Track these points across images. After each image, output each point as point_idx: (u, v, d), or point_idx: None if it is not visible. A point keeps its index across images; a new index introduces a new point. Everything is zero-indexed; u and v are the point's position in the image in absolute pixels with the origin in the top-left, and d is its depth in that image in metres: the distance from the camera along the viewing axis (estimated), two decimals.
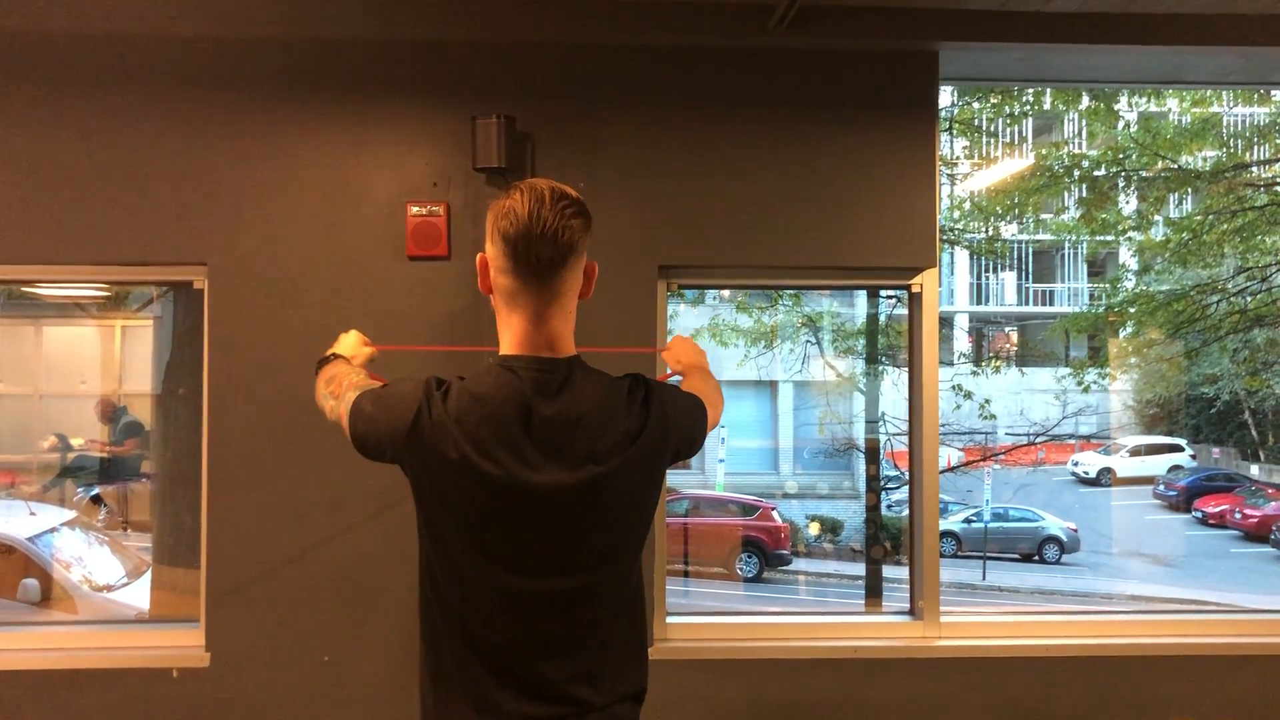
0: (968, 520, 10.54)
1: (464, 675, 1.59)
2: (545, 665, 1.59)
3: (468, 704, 1.58)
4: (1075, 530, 10.60)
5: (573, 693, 1.59)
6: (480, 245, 1.66)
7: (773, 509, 9.83)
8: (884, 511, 8.05)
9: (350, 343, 2.32)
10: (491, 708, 1.57)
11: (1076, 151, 9.84)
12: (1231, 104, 8.99)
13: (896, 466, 7.88)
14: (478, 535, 1.57)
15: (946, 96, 7.83)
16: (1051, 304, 13.95)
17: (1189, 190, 9.10)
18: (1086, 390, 10.07)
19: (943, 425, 3.51)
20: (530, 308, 1.60)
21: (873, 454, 8.51)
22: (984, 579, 9.95)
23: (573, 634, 1.60)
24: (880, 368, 8.24)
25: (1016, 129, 10.05)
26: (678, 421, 1.69)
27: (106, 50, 3.22)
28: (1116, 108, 8.46)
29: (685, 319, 8.86)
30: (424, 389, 1.60)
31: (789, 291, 8.63)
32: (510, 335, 1.63)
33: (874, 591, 7.24)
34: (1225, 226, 8.18)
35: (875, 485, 7.85)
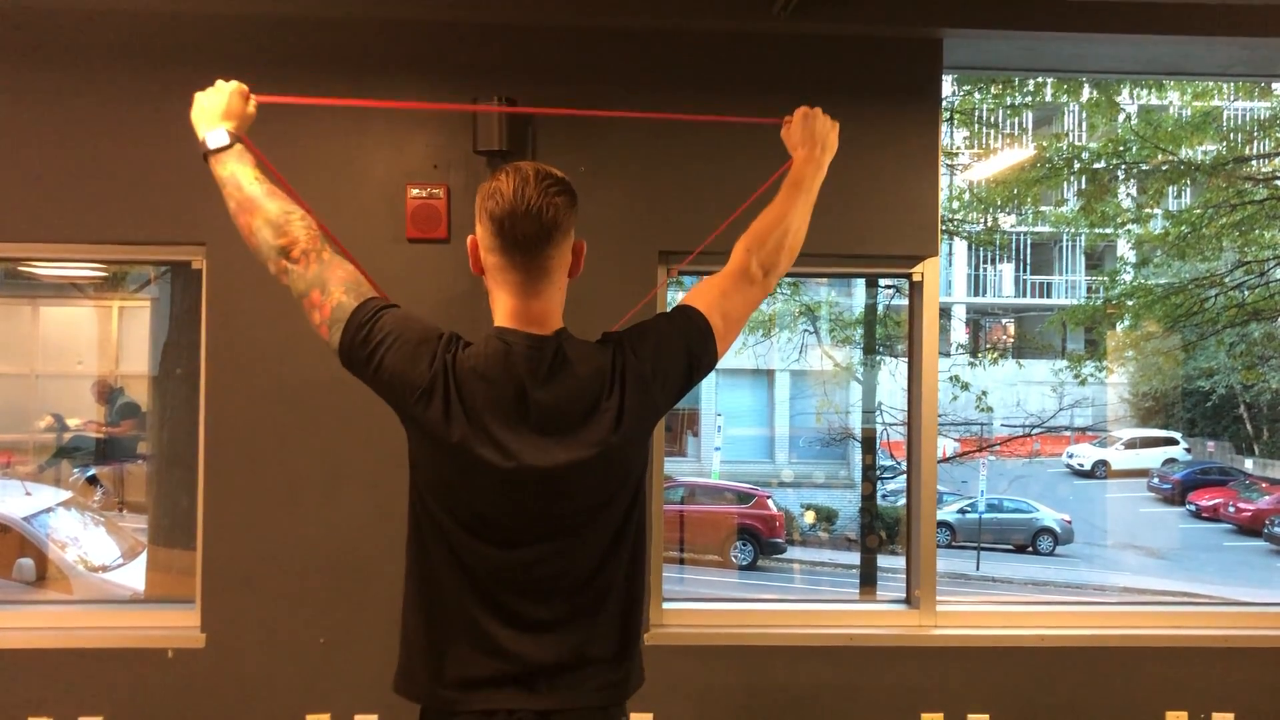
0: (962, 511, 10.58)
1: (464, 617, 1.61)
2: (543, 609, 1.61)
3: (466, 643, 1.61)
4: (1069, 522, 10.64)
5: (570, 639, 1.62)
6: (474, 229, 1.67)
7: (768, 497, 9.86)
8: (879, 501, 8.07)
9: (229, 102, 1.87)
10: (490, 646, 1.60)
11: (1076, 143, 9.82)
12: (1232, 97, 8.98)
13: (892, 456, 7.91)
14: (468, 503, 1.60)
15: (947, 86, 7.80)
16: (1049, 296, 13.96)
17: (1188, 183, 9.09)
18: (1083, 383, 10.08)
19: (940, 416, 3.52)
20: (519, 285, 1.62)
21: (869, 443, 8.54)
22: (978, 569, 10.00)
23: (572, 581, 1.63)
24: (877, 358, 8.25)
25: (1017, 120, 10.03)
26: (660, 379, 1.67)
27: (107, 27, 3.19)
28: (1118, 100, 8.43)
29: None
30: (442, 348, 1.60)
31: (787, 280, 8.63)
32: (501, 311, 1.65)
33: (868, 580, 7.27)
34: (1224, 220, 8.17)
35: (871, 475, 7.87)
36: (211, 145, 1.84)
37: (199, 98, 1.88)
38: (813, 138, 1.99)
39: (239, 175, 1.82)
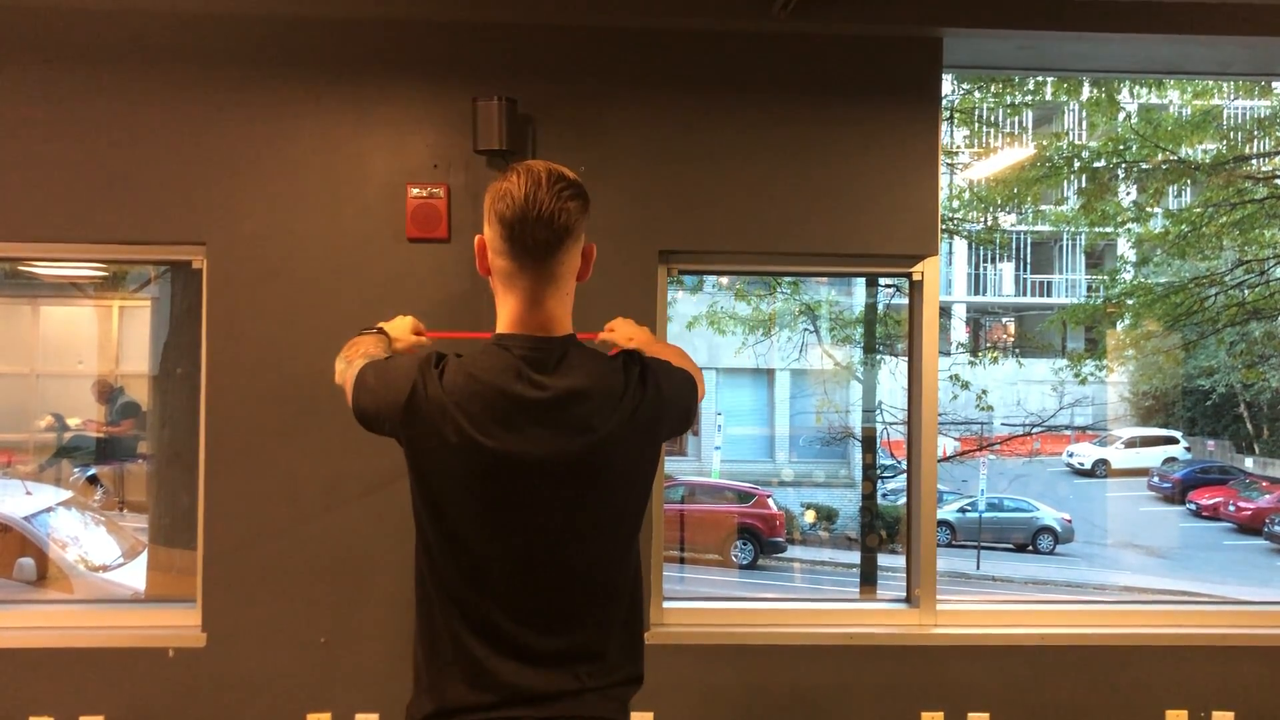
0: (962, 510, 10.56)
1: (459, 649, 1.58)
2: (542, 640, 1.59)
3: (462, 678, 1.58)
4: (1069, 521, 10.62)
5: (571, 669, 1.60)
6: (480, 228, 1.66)
7: (768, 496, 9.84)
8: (879, 500, 8.06)
9: (400, 325, 2.22)
10: (487, 681, 1.57)
11: (1076, 142, 9.81)
12: (1232, 96, 8.97)
13: (892, 455, 7.90)
14: (475, 510, 1.57)
15: (947, 85, 7.79)
16: (1049, 295, 13.93)
17: (1188, 182, 9.08)
18: (1083, 382, 10.07)
19: (940, 415, 3.52)
20: (527, 290, 1.61)
21: (869, 442, 8.52)
22: (978, 568, 9.98)
23: (571, 610, 1.61)
24: (878, 357, 8.24)
25: (1017, 119, 10.02)
26: (672, 397, 1.69)
27: (107, 26, 3.20)
28: (1118, 99, 8.43)
29: (684, 306, 8.85)
30: (420, 365, 1.61)
31: (787, 279, 8.63)
32: (506, 315, 1.64)
33: (868, 579, 7.26)
34: (1224, 219, 8.16)
35: (871, 474, 7.86)
36: (373, 328, 2.14)
37: (385, 325, 2.20)
38: (628, 341, 2.15)
39: (366, 341, 2.01)
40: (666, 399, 1.67)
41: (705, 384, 1.95)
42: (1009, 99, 8.71)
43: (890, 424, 7.50)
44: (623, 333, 2.22)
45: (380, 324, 2.16)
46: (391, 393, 1.61)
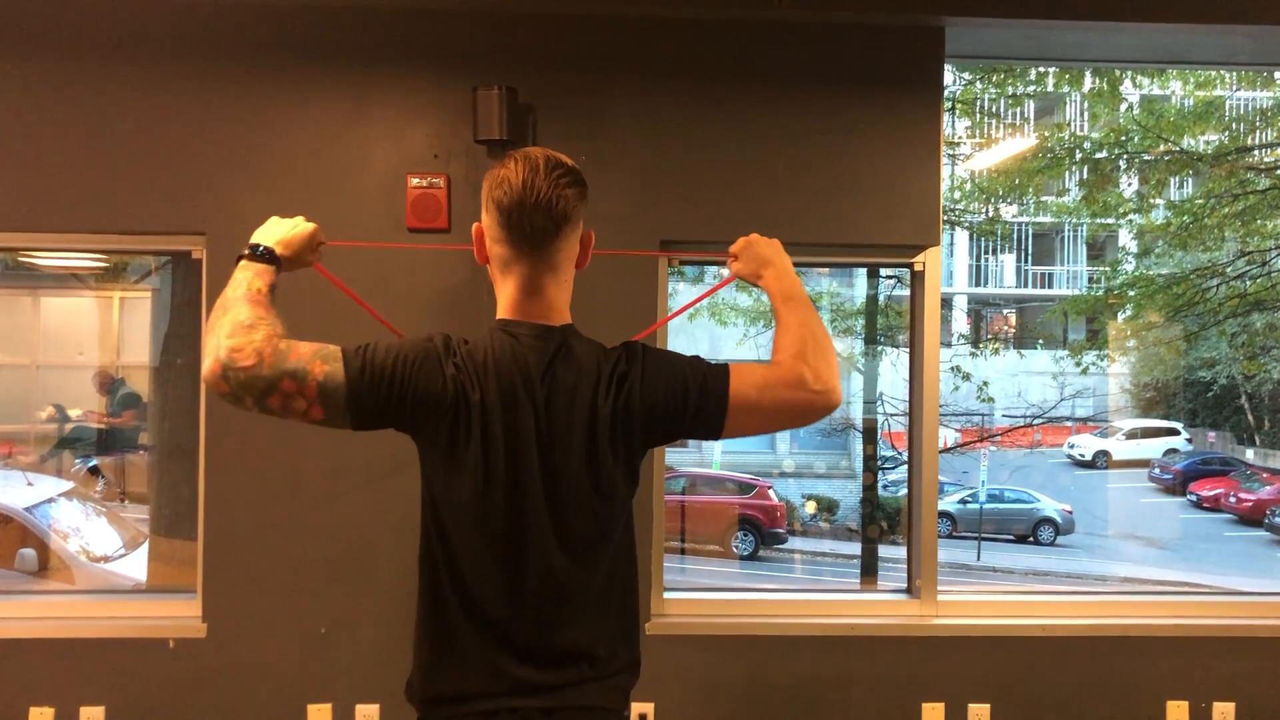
0: (963, 501, 10.57)
1: (466, 637, 1.59)
2: (543, 632, 1.59)
3: (467, 666, 1.59)
4: (1070, 512, 10.62)
5: (573, 662, 1.60)
6: (480, 217, 1.65)
7: (769, 488, 9.84)
8: (880, 491, 8.07)
9: (292, 236, 1.80)
10: (491, 670, 1.58)
11: (1078, 133, 9.79)
12: (1235, 87, 8.95)
13: (893, 447, 7.90)
14: (482, 502, 1.57)
15: (949, 75, 7.77)
16: (1050, 286, 13.91)
17: (1190, 173, 9.06)
18: (1085, 373, 10.07)
19: (941, 406, 3.52)
20: (525, 277, 1.60)
21: (870, 434, 8.52)
22: (978, 559, 9.99)
23: (568, 603, 1.61)
24: (879, 348, 8.24)
25: (1019, 110, 10.00)
26: (643, 396, 1.59)
27: (106, 17, 3.19)
28: (1120, 89, 8.41)
29: (685, 297, 8.83)
30: (447, 357, 1.56)
31: None
32: (505, 302, 1.63)
33: (869, 570, 7.28)
34: (1226, 210, 8.16)
35: (872, 465, 7.87)
36: (253, 250, 1.76)
37: (275, 220, 1.83)
38: (758, 261, 1.88)
39: (247, 281, 1.74)
40: (634, 400, 1.58)
41: (822, 359, 1.66)
42: (1011, 89, 8.70)
43: (891, 415, 7.51)
44: (748, 266, 1.88)
45: (260, 241, 1.77)
46: (430, 396, 1.53)
